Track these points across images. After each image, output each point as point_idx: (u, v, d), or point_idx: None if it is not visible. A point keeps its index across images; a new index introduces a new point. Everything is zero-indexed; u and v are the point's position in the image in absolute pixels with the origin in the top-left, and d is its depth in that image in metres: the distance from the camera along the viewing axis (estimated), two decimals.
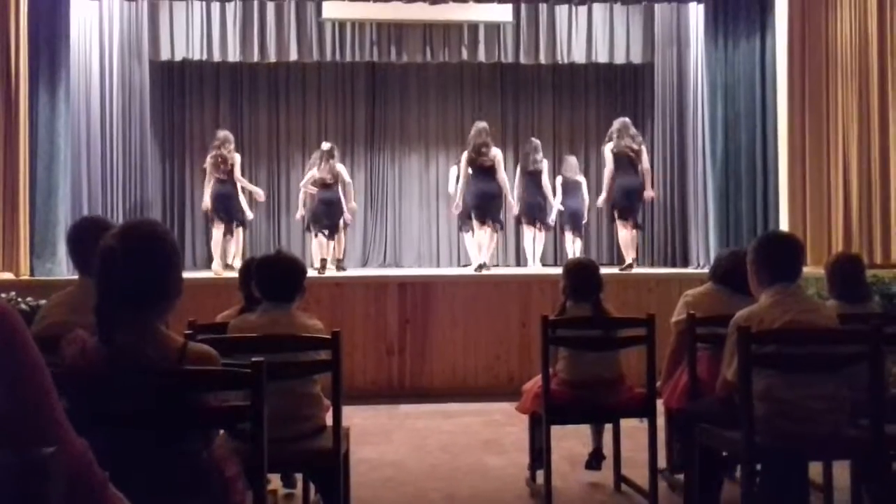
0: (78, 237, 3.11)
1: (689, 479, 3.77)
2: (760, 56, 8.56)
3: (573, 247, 9.52)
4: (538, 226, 9.31)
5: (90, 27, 8.41)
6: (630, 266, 8.26)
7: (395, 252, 11.43)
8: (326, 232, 8.79)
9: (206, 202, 8.95)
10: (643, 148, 8.65)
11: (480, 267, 8.38)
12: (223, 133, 9.07)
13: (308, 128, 11.46)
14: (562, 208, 9.56)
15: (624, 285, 7.24)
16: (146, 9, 9.53)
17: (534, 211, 9.18)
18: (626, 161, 8.44)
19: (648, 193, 8.64)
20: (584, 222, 9.77)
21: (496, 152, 8.55)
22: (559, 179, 9.67)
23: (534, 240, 9.45)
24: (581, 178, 9.63)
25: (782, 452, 3.14)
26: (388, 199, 11.55)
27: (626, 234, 8.52)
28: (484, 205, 8.49)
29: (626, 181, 8.43)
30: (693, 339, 3.73)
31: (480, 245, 8.60)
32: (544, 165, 9.21)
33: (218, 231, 8.88)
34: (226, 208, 8.84)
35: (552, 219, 9.64)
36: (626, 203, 8.46)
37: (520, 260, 10.84)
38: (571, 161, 9.83)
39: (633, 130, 8.61)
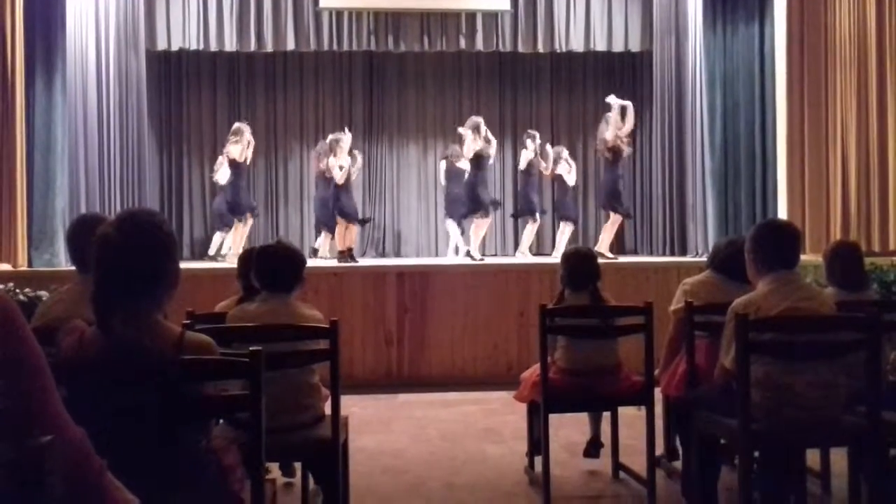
0: (76, 234, 3.11)
1: (686, 467, 3.78)
2: (759, 45, 8.55)
3: (562, 236, 9.64)
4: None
5: (86, 17, 8.38)
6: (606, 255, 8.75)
7: (393, 242, 11.43)
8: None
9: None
10: (605, 135, 9.05)
11: (468, 253, 8.73)
12: (234, 125, 9.27)
13: (306, 117, 11.44)
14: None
15: (622, 273, 7.25)
16: None
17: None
18: (602, 159, 9.13)
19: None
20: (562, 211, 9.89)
21: (466, 148, 8.91)
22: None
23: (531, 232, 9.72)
24: (560, 171, 9.68)
25: (780, 439, 3.15)
26: (386, 188, 11.54)
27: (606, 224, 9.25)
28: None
29: (604, 178, 9.22)
30: (691, 326, 3.73)
31: (476, 236, 8.94)
32: (524, 156, 9.52)
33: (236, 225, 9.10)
34: (230, 203, 9.05)
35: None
36: (602, 197, 9.31)
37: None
38: (554, 151, 9.89)
39: (601, 126, 9.07)
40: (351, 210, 9.07)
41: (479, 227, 8.98)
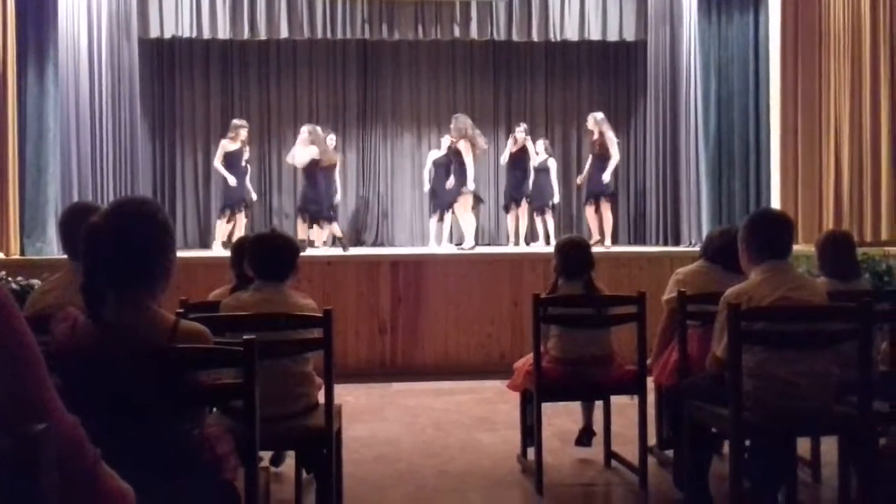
0: (69, 222, 3.11)
1: (678, 455, 3.80)
2: (754, 33, 8.55)
3: (545, 227, 9.82)
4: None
5: (78, 5, 8.33)
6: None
7: (387, 231, 11.43)
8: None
9: None
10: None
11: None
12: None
13: (299, 106, 11.41)
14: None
15: (616, 263, 7.26)
16: None
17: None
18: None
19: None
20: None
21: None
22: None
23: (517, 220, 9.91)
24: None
25: (771, 428, 3.17)
26: (379, 176, 11.53)
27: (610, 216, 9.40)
28: None
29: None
30: (683, 316, 3.74)
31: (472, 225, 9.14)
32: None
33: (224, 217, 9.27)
34: (223, 194, 9.31)
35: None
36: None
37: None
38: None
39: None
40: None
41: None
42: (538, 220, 9.85)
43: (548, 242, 9.51)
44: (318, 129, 9.49)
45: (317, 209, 9.16)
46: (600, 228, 9.28)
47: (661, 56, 9.82)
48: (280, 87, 11.36)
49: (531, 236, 10.05)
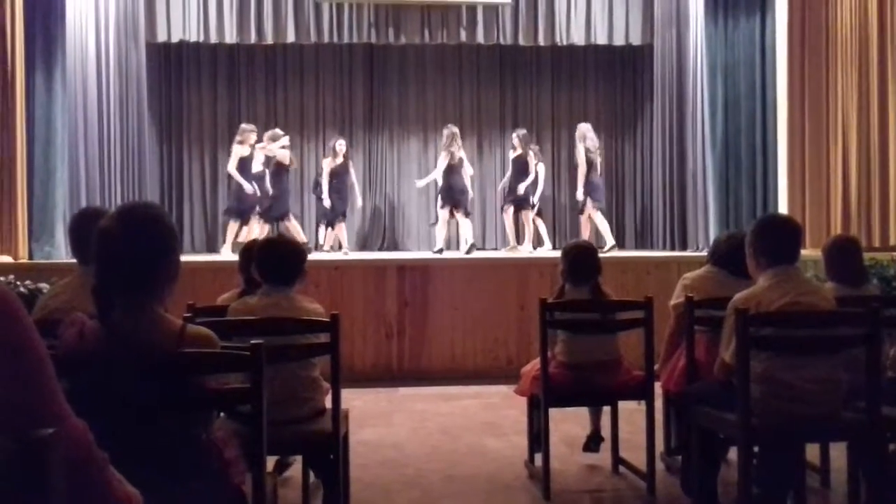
0: (78, 226, 3.12)
1: (686, 461, 3.79)
2: (760, 37, 8.54)
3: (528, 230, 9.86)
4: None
5: (86, 9, 8.35)
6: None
7: (394, 235, 11.44)
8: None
9: None
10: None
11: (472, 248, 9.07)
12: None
13: (306, 110, 11.43)
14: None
15: (623, 268, 7.24)
16: None
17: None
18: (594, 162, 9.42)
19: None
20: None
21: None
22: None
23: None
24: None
25: (779, 434, 3.15)
26: (386, 181, 11.54)
27: (602, 220, 9.46)
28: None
29: (597, 178, 9.44)
30: (691, 321, 3.73)
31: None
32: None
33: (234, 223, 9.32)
34: (235, 200, 9.37)
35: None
36: (602, 195, 9.62)
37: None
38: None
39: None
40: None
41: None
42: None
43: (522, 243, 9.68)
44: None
45: (275, 211, 9.36)
46: (592, 232, 9.37)
47: (668, 60, 9.81)
48: (287, 92, 11.39)
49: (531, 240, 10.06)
